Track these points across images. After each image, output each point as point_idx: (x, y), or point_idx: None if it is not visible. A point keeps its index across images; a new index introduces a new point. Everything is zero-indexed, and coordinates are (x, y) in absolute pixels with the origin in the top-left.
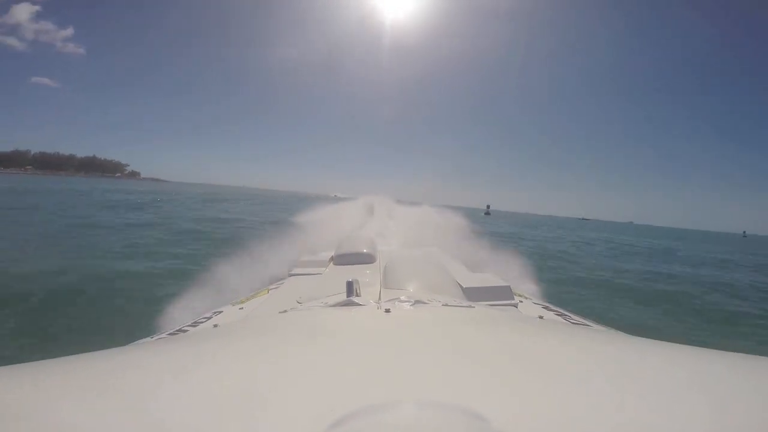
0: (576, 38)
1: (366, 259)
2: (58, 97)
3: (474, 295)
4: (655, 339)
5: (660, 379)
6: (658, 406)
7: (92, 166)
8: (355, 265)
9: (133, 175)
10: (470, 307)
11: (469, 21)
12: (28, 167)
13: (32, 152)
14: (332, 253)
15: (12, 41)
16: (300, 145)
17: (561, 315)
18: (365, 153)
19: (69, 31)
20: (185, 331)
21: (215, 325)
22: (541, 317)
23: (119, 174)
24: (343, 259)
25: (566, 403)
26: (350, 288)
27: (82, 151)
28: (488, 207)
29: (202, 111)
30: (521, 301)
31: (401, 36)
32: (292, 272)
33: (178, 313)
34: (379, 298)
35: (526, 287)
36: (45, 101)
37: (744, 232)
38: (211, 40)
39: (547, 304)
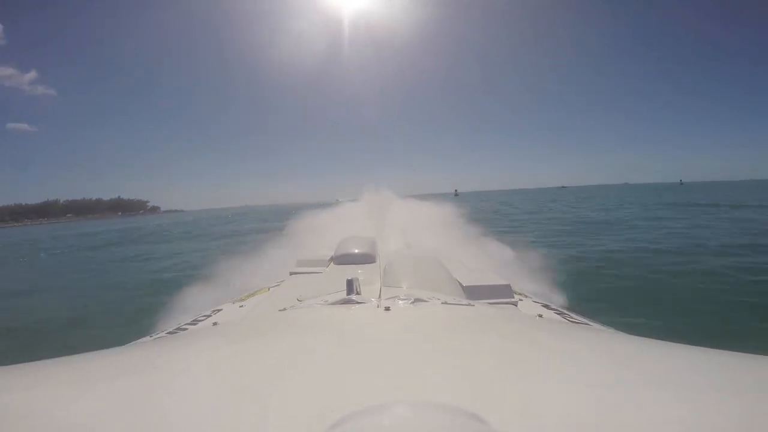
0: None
1: (366, 259)
2: (37, 141)
3: (474, 293)
4: (654, 338)
5: (659, 378)
6: (657, 405)
7: (120, 207)
8: (355, 265)
9: (154, 210)
10: (470, 305)
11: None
12: (68, 215)
13: (61, 201)
14: (332, 253)
15: None
16: (299, 160)
17: (560, 314)
18: (358, 157)
19: (32, 74)
20: (185, 329)
21: (215, 324)
22: (540, 316)
23: (143, 211)
24: (343, 259)
25: (565, 402)
26: (350, 286)
27: (73, 192)
28: (456, 190)
29: (203, 138)
30: (521, 300)
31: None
32: (293, 271)
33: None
34: (379, 297)
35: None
36: (24, 146)
37: (680, 180)
38: (196, 61)
39: (547, 303)
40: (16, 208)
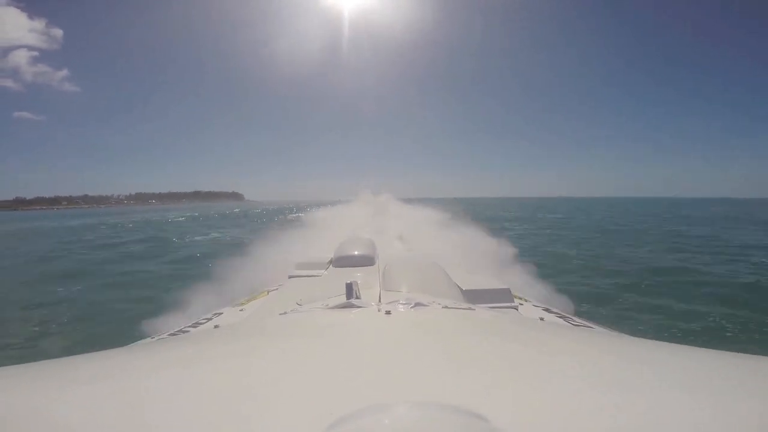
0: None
1: (365, 261)
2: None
3: (473, 297)
4: (657, 340)
5: (661, 380)
6: (659, 407)
7: (234, 196)
8: (354, 268)
9: (241, 198)
10: (470, 309)
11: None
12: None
13: (188, 191)
14: (332, 256)
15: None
16: (311, 162)
17: (562, 317)
18: (361, 161)
19: (64, 72)
20: (186, 331)
21: (216, 327)
22: (541, 319)
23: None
24: (342, 261)
25: (567, 405)
26: (350, 290)
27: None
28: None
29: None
30: (521, 304)
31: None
32: (292, 274)
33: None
34: (379, 300)
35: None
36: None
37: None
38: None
39: (548, 307)
40: (171, 194)
